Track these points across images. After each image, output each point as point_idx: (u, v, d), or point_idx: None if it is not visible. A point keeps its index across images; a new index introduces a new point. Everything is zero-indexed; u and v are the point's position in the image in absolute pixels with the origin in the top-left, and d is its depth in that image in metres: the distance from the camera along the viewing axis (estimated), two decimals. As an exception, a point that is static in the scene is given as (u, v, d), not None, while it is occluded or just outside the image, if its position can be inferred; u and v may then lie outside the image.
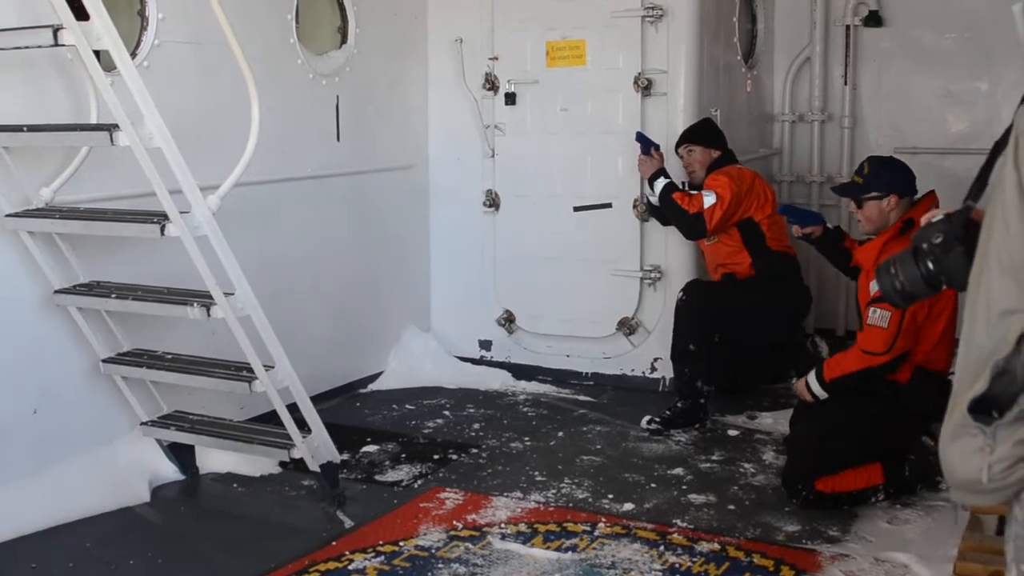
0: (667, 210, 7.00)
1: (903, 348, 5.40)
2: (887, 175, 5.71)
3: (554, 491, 5.85)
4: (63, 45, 4.86)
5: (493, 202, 8.19)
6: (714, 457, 6.37)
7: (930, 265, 2.43)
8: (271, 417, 5.74)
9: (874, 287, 5.43)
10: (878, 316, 5.39)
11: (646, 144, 7.15)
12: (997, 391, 2.05)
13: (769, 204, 6.97)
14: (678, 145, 7.27)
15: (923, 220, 2.52)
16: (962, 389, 2.14)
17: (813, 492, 5.47)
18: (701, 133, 7.26)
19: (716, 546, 5.09)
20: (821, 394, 5.64)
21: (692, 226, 6.90)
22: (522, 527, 5.33)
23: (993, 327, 2.08)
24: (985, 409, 2.08)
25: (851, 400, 5.60)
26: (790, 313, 7.23)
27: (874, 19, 8.86)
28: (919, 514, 5.46)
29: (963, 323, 2.17)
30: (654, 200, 7.12)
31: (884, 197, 5.62)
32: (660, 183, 6.98)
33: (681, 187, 7.07)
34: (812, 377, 5.68)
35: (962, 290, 2.24)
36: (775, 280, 6.99)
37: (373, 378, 7.99)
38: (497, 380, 8.04)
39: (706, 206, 6.77)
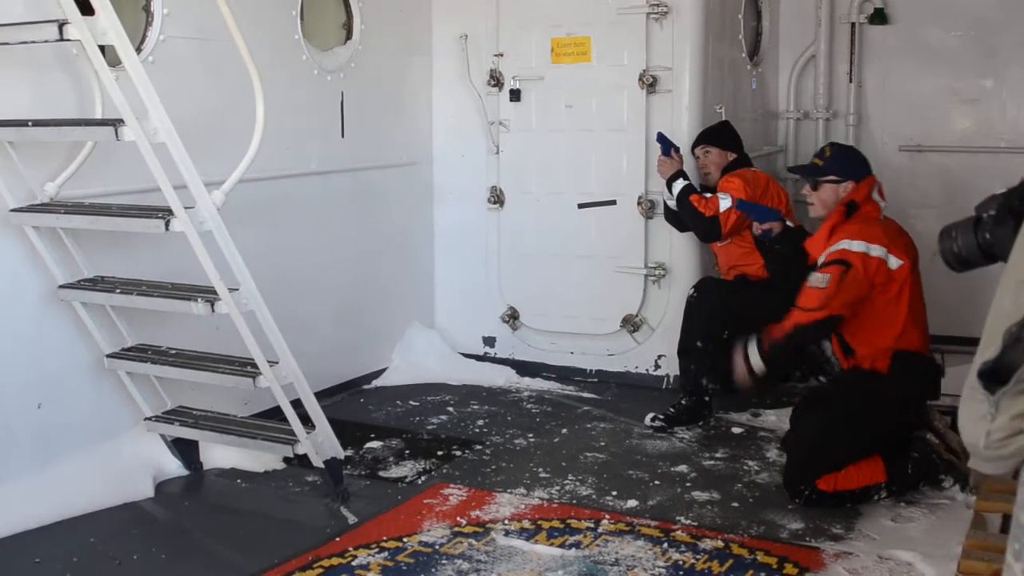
0: (684, 212, 6.99)
1: (839, 310, 5.42)
2: (848, 161, 5.85)
3: (558, 488, 5.85)
4: (68, 40, 4.85)
5: (497, 199, 8.19)
6: (718, 454, 6.37)
7: (987, 235, 2.48)
8: (275, 413, 5.75)
9: (822, 257, 5.50)
10: (817, 279, 5.48)
11: (666, 145, 7.13)
12: (1008, 360, 2.06)
13: (782, 206, 6.96)
14: (695, 145, 7.28)
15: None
16: (980, 353, 2.16)
17: (816, 491, 5.46)
18: (719, 135, 7.27)
19: (720, 543, 5.08)
20: (758, 365, 5.62)
21: (708, 229, 6.90)
22: (526, 523, 5.33)
23: (1019, 296, 2.11)
24: (995, 377, 2.08)
25: (843, 397, 5.63)
26: None
27: (879, 17, 8.84)
28: (923, 512, 5.45)
29: (996, 290, 2.20)
30: (671, 203, 7.11)
31: (841, 182, 5.71)
32: (679, 184, 6.98)
33: (699, 189, 7.06)
34: (753, 345, 5.66)
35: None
36: (787, 282, 6.97)
37: (377, 374, 8.00)
38: (501, 377, 8.04)
39: (721, 209, 6.76)
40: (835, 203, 5.73)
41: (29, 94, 5.41)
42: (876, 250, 5.47)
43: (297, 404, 5.51)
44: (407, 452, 6.44)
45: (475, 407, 7.39)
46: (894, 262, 5.51)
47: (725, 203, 6.77)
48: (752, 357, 5.63)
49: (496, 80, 8.03)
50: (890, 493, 5.56)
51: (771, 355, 5.61)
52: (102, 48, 4.91)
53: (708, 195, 6.93)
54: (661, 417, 6.85)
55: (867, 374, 5.62)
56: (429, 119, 8.39)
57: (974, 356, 2.17)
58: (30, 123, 5.19)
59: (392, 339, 8.17)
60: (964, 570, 3.99)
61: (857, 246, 5.46)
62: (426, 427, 6.95)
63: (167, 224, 5.05)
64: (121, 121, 4.90)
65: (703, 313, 6.86)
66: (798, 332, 5.54)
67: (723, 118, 7.56)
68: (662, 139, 7.18)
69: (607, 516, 5.43)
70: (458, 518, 5.40)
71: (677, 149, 7.14)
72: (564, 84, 7.84)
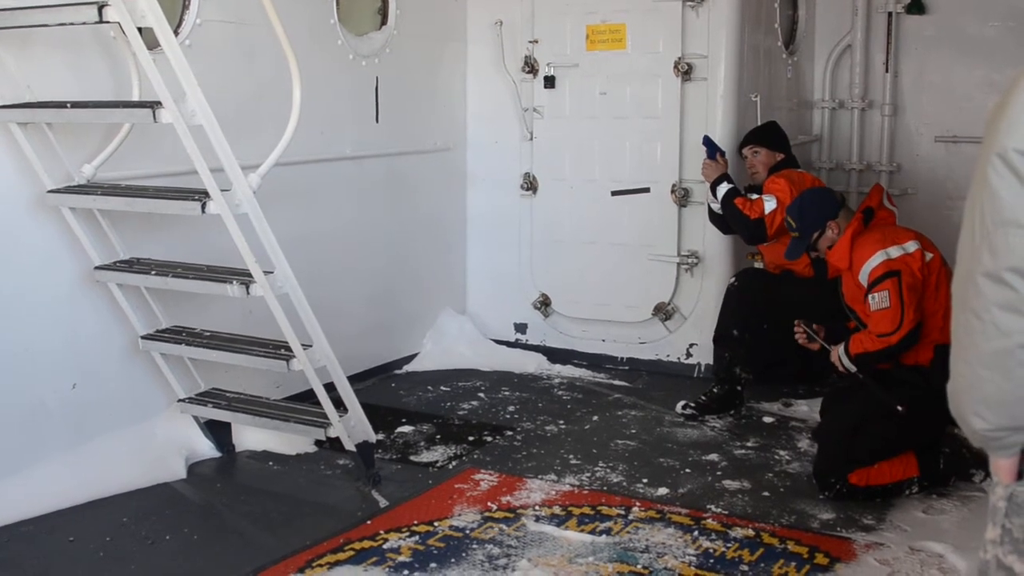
0: (728, 215, 6.93)
1: (913, 320, 5.35)
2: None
3: (588, 474, 5.86)
4: (108, 22, 4.86)
5: (531, 185, 8.19)
6: (749, 443, 6.36)
7: None
8: (307, 396, 5.79)
9: (864, 276, 5.46)
10: (878, 299, 5.41)
11: (712, 148, 7.10)
12: None
13: None
14: (743, 145, 7.25)
15: None
16: None
17: (847, 485, 5.43)
18: (768, 135, 7.23)
19: (750, 532, 5.08)
20: (851, 367, 5.57)
21: (753, 232, 6.83)
22: (556, 510, 5.34)
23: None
24: None
25: (881, 388, 5.55)
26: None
27: (916, 6, 8.78)
28: (955, 504, 5.43)
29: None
30: (716, 207, 7.07)
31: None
32: (723, 187, 6.93)
33: (743, 192, 7.03)
34: (842, 350, 5.62)
35: None
36: (833, 280, 6.93)
37: (409, 359, 8.03)
38: (532, 363, 8.05)
39: (766, 211, 6.69)
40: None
41: (67, 76, 5.44)
42: (911, 246, 5.47)
43: (329, 388, 5.52)
44: (438, 437, 6.46)
45: (506, 393, 7.41)
46: (927, 255, 5.50)
47: (770, 205, 6.69)
48: (844, 361, 5.59)
49: (531, 67, 8.02)
50: (921, 488, 5.52)
51: (860, 363, 5.55)
52: (139, 31, 4.93)
53: (753, 196, 6.89)
54: (692, 405, 6.84)
55: (911, 369, 5.56)
56: (463, 105, 8.39)
57: None
58: (68, 105, 5.21)
59: (424, 324, 8.19)
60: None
61: (895, 251, 5.44)
62: (457, 412, 6.97)
63: (203, 206, 5.07)
64: (159, 103, 4.91)
65: (743, 302, 6.82)
66: (884, 353, 5.46)
67: (758, 107, 7.53)
68: (708, 142, 7.14)
69: (638, 503, 5.43)
70: (489, 503, 5.41)
71: (722, 153, 7.10)
72: (599, 71, 7.83)
